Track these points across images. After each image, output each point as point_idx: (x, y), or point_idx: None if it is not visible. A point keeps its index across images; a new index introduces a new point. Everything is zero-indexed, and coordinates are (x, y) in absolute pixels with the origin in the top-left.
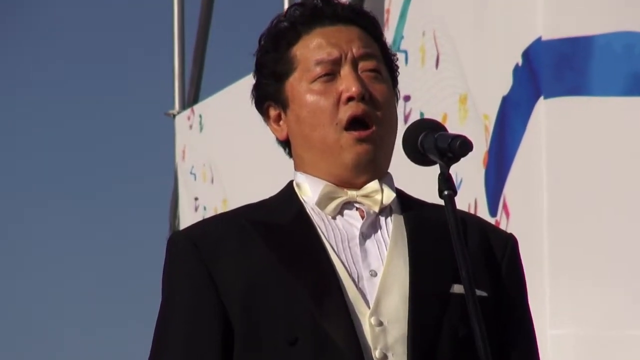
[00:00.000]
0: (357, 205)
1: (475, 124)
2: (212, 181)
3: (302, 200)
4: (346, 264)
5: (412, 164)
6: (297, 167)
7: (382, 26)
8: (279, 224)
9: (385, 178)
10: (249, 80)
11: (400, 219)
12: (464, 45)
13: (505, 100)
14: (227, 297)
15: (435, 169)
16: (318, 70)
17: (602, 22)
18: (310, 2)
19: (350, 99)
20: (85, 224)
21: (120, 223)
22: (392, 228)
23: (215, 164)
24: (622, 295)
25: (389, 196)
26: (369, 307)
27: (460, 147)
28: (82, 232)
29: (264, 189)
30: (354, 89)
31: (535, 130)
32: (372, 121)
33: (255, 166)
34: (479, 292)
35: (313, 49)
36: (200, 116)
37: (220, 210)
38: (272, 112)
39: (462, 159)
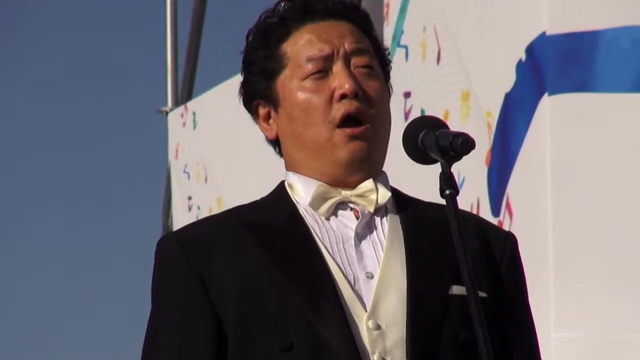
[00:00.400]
0: (351, 205)
1: (477, 121)
2: (206, 180)
3: (295, 201)
4: (341, 266)
5: (413, 162)
6: (289, 167)
7: (382, 21)
8: (271, 225)
9: (380, 177)
10: None
11: (396, 218)
12: (466, 40)
13: (508, 97)
14: (220, 301)
15: (437, 168)
16: (309, 67)
17: (608, 17)
18: None
19: (343, 96)
20: (76, 224)
21: (112, 223)
22: (388, 228)
23: (209, 162)
24: (627, 298)
25: (384, 195)
26: (366, 310)
27: (462, 145)
28: (73, 231)
29: (260, 188)
30: (347, 86)
31: (539, 128)
32: (365, 118)
33: (251, 164)
34: (479, 294)
35: (304, 45)
36: (194, 113)
37: (214, 210)
38: (262, 111)
39: (464, 157)
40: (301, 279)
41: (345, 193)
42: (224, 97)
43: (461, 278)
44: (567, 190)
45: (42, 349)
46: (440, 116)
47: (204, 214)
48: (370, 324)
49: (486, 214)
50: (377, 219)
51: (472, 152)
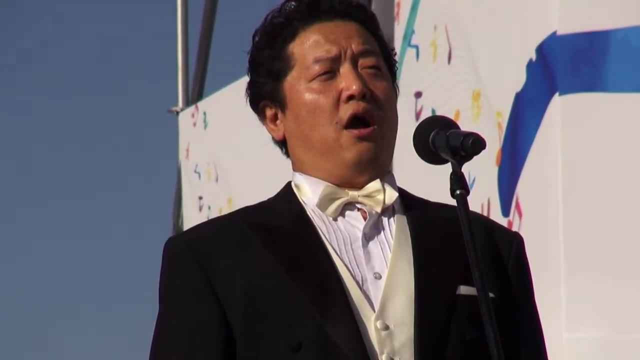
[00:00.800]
0: (358, 205)
1: (488, 121)
2: (217, 180)
3: (302, 202)
4: (349, 266)
5: (424, 162)
6: (296, 168)
7: (392, 20)
8: (278, 226)
9: (387, 177)
10: None
11: (403, 219)
12: (477, 40)
13: (518, 97)
14: (227, 302)
15: (447, 168)
16: (317, 68)
17: (619, 16)
18: None
19: (350, 97)
20: (87, 223)
21: (123, 222)
22: (395, 229)
23: (220, 162)
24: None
25: (391, 196)
26: (374, 311)
27: (473, 145)
28: (83, 231)
29: (270, 188)
30: (354, 87)
31: (550, 128)
32: (373, 119)
33: (261, 164)
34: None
35: (311, 46)
36: (205, 113)
37: (225, 210)
38: (268, 112)
39: (474, 157)
40: (309, 280)
41: (353, 194)
42: (235, 97)
43: (468, 278)
44: (577, 190)
45: (52, 348)
46: (451, 116)
47: (215, 213)
48: (378, 324)
49: (496, 214)
50: (385, 220)
51: (483, 152)
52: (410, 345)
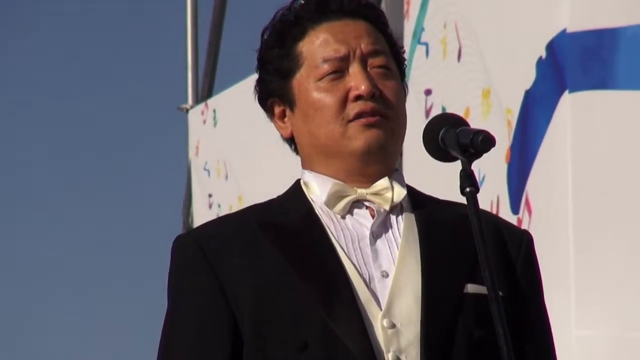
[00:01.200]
0: (367, 203)
1: (498, 118)
2: (227, 177)
3: (310, 200)
4: (357, 264)
5: (433, 160)
6: (305, 166)
7: (402, 18)
8: (287, 224)
9: (395, 175)
10: None
11: (411, 217)
12: (487, 37)
13: (528, 94)
14: (235, 301)
15: (457, 165)
16: (325, 67)
17: (628, 14)
18: None
19: (359, 97)
20: (96, 221)
21: (132, 220)
22: (403, 227)
23: (229, 159)
24: None
25: (399, 194)
26: (381, 309)
27: (483, 142)
28: (93, 229)
29: (280, 185)
30: (363, 87)
31: (559, 125)
32: (381, 116)
33: (271, 162)
34: None
35: (320, 45)
36: (215, 111)
37: (235, 208)
38: (277, 109)
39: (484, 155)
40: (316, 278)
41: (361, 191)
42: (245, 94)
43: (476, 276)
44: (587, 187)
45: (59, 348)
46: (461, 113)
47: (225, 211)
48: (385, 322)
49: (506, 211)
50: (393, 218)
51: (492, 149)
52: (417, 343)
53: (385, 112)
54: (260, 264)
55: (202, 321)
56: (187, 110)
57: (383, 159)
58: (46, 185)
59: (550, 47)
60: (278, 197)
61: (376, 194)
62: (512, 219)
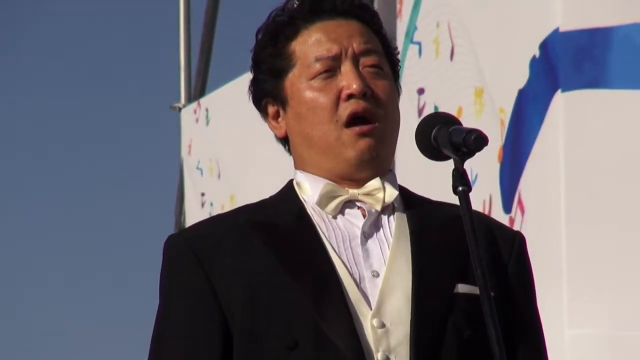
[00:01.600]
0: (358, 204)
1: (491, 117)
2: (219, 176)
3: (302, 200)
4: (347, 264)
5: (426, 159)
6: (297, 166)
7: (395, 17)
8: (278, 224)
9: (387, 175)
10: None
11: (403, 217)
12: (480, 36)
13: (521, 93)
14: (227, 301)
15: (450, 164)
16: (318, 66)
17: (621, 13)
18: None
19: (350, 96)
20: (89, 220)
21: (125, 219)
22: (394, 227)
23: (222, 158)
24: None
25: (391, 194)
26: (371, 309)
27: (475, 141)
28: (85, 228)
29: (272, 185)
30: (354, 86)
31: (552, 125)
32: (373, 118)
33: (263, 161)
34: None
35: (312, 44)
36: (207, 110)
37: (227, 207)
38: (270, 109)
39: (477, 154)
40: (307, 278)
41: (353, 192)
42: (237, 93)
43: (467, 276)
44: (580, 186)
45: (50, 349)
46: (454, 112)
47: (217, 210)
48: (374, 322)
49: (498, 210)
50: (384, 218)
51: (485, 148)
52: (407, 343)
53: (376, 112)
54: (252, 264)
55: (193, 321)
56: (180, 109)
57: (375, 166)
58: (36, 184)
59: (544, 46)
60: (270, 197)
61: (368, 194)
62: (504, 218)
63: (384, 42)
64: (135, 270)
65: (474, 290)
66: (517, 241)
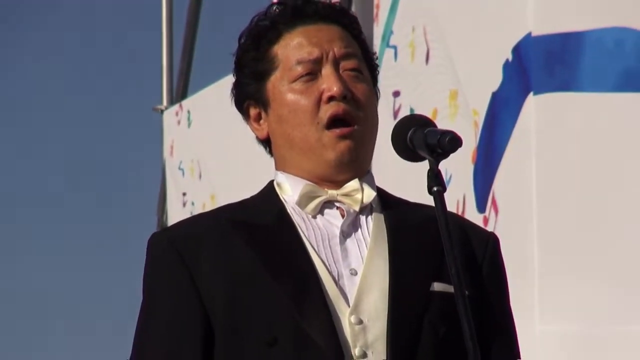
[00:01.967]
0: (337, 204)
1: (465, 119)
2: (200, 177)
3: (283, 200)
4: (326, 262)
5: (402, 160)
6: (278, 167)
7: (372, 21)
8: (259, 224)
9: (366, 177)
10: None
11: (380, 217)
12: (455, 40)
13: (495, 96)
14: (209, 299)
15: (425, 165)
16: (299, 69)
17: (592, 18)
18: (291, 1)
19: (331, 98)
20: (71, 220)
21: (107, 218)
22: (372, 227)
23: (203, 159)
24: (611, 291)
25: (369, 195)
26: (349, 306)
27: (450, 143)
28: (67, 228)
29: (252, 185)
30: (335, 88)
31: (524, 127)
32: (353, 120)
33: (243, 162)
34: None
35: (294, 48)
36: (189, 112)
37: (208, 206)
38: (252, 112)
39: (451, 155)
40: (286, 276)
41: (332, 192)
42: (218, 95)
43: (442, 275)
44: (551, 187)
45: (35, 348)
46: (429, 115)
47: (198, 209)
48: (352, 318)
49: (472, 210)
50: (362, 218)
51: (459, 149)
52: (383, 339)
53: (356, 114)
54: (233, 263)
55: (177, 320)
56: (162, 111)
57: (354, 168)
58: (18, 184)
59: (516, 50)
60: (251, 197)
61: (346, 195)
62: (478, 217)
63: (363, 47)
64: (118, 270)
65: (448, 288)
66: (491, 242)
